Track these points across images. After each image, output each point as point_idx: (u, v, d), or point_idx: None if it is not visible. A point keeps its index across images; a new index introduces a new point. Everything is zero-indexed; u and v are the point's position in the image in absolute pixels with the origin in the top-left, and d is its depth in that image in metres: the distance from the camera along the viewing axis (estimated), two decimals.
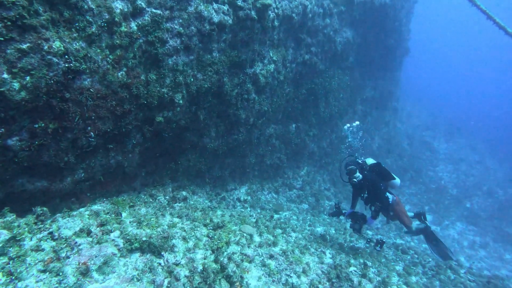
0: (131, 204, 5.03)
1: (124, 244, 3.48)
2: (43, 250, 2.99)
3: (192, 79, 5.98)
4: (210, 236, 4.47)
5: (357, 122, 8.99)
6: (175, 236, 4.07)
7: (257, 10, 6.72)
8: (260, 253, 4.46)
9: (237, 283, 3.47)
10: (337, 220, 8.79)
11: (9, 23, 3.19)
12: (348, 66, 12.27)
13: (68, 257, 3.02)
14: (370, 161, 6.45)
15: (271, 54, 7.98)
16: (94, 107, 4.35)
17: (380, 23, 12.97)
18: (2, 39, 3.18)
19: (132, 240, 3.53)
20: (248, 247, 4.52)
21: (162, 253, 3.63)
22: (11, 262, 2.72)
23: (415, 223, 6.43)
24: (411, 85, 30.38)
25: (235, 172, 8.66)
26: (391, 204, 6.01)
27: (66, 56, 3.74)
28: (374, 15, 12.31)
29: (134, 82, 4.89)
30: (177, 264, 3.54)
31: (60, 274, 2.81)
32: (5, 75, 3.26)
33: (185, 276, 3.38)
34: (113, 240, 3.50)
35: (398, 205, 6.12)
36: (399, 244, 8.15)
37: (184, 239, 4.12)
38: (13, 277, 2.59)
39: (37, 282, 2.65)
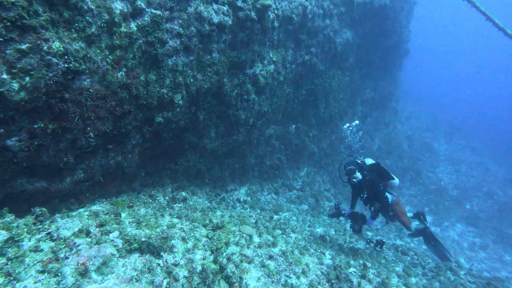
0: (131, 204, 5.02)
1: (123, 245, 3.48)
2: (41, 250, 2.98)
3: (191, 80, 5.98)
4: (210, 236, 4.46)
5: (357, 121, 8.99)
6: (174, 236, 4.07)
7: (257, 11, 6.72)
8: (260, 254, 4.45)
9: (236, 284, 3.46)
10: (337, 221, 8.78)
11: (8, 23, 3.20)
12: (348, 67, 12.27)
13: (67, 258, 3.01)
14: (369, 161, 6.44)
15: (271, 55, 7.98)
16: (93, 107, 4.35)
17: (380, 24, 12.99)
18: (1, 39, 3.18)
19: (131, 241, 3.52)
20: (248, 247, 4.51)
21: (161, 253, 3.62)
22: (9, 263, 2.71)
23: (415, 224, 6.42)
24: (411, 86, 30.43)
25: (235, 173, 8.66)
26: (390, 204, 6.00)
27: (66, 57, 3.74)
28: (374, 16, 12.32)
29: (133, 82, 4.89)
30: (176, 265, 3.53)
31: (59, 274, 2.80)
32: (5, 76, 3.26)
33: (184, 276, 3.37)
34: (112, 240, 3.50)
35: (398, 205, 6.11)
36: (399, 245, 8.13)
37: (183, 239, 4.11)
38: (12, 278, 2.59)
39: (35, 282, 2.65)
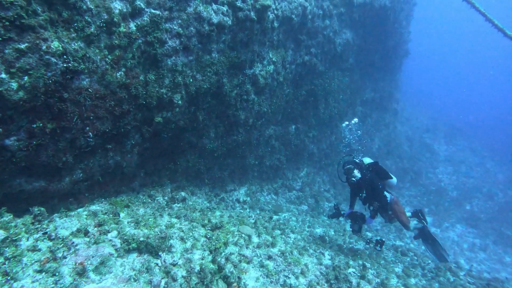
0: (130, 204, 5.02)
1: (121, 244, 3.47)
2: (39, 250, 2.98)
3: (191, 80, 5.98)
4: (208, 236, 4.45)
5: (356, 119, 8.97)
6: (172, 236, 4.06)
7: (256, 11, 6.73)
8: (259, 254, 4.44)
9: (235, 284, 3.46)
10: (337, 221, 8.76)
11: (7, 23, 3.20)
12: (348, 68, 12.28)
13: (64, 257, 3.01)
14: (367, 160, 6.44)
15: (270, 55, 7.98)
16: (92, 107, 4.35)
17: (380, 25, 12.99)
18: (0, 39, 3.18)
19: (129, 240, 3.52)
20: (247, 248, 4.51)
21: (160, 253, 3.62)
22: (7, 262, 2.71)
23: (413, 223, 6.41)
24: (411, 87, 30.40)
25: (235, 173, 8.65)
26: (389, 203, 5.99)
27: (65, 56, 3.74)
28: (374, 17, 12.33)
29: (133, 82, 4.89)
30: (174, 265, 3.52)
31: (57, 274, 2.80)
32: (3, 75, 3.27)
33: (182, 276, 3.36)
34: (110, 240, 3.49)
35: (397, 204, 6.11)
36: (399, 246, 8.12)
37: (182, 239, 4.11)
38: (9, 277, 2.58)
39: (33, 282, 2.64)
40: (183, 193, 6.37)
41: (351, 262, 5.41)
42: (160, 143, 6.23)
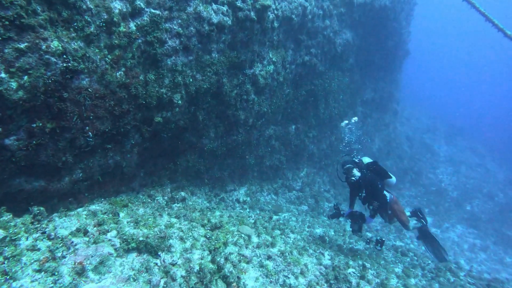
0: (129, 204, 5.02)
1: (120, 244, 3.47)
2: (39, 249, 2.98)
3: (191, 80, 5.98)
4: (208, 236, 4.45)
5: (356, 118, 8.96)
6: (172, 236, 4.06)
7: (256, 11, 6.73)
8: (258, 254, 4.44)
9: (234, 284, 3.45)
10: (337, 221, 8.76)
11: (7, 22, 3.21)
12: (348, 68, 12.27)
13: (64, 257, 3.01)
14: (366, 159, 6.43)
15: (270, 55, 7.98)
16: (92, 107, 4.35)
17: (380, 25, 12.99)
18: (0, 38, 3.19)
19: (129, 240, 3.52)
20: (246, 247, 4.50)
21: (159, 253, 3.61)
22: (6, 262, 2.70)
23: (413, 222, 6.40)
24: (411, 87, 30.43)
25: (235, 173, 8.65)
26: (389, 202, 5.99)
27: (64, 56, 3.74)
28: (374, 17, 12.33)
29: (132, 82, 4.90)
30: (173, 264, 3.52)
31: (56, 273, 2.79)
32: (3, 75, 3.27)
33: (182, 276, 3.36)
34: (109, 240, 3.49)
35: (396, 204, 6.11)
36: (399, 246, 8.11)
37: (182, 239, 4.10)
38: (8, 277, 2.58)
39: (32, 281, 2.64)
40: (183, 193, 6.37)
41: (351, 262, 5.41)
42: (160, 143, 6.23)
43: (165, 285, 3.19)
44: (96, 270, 3.03)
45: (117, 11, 4.37)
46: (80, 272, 2.90)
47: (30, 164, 3.85)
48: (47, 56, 3.56)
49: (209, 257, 3.91)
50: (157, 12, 5.00)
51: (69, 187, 4.55)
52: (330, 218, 6.38)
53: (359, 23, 11.81)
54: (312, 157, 11.67)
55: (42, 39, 3.51)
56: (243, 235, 4.85)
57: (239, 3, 6.32)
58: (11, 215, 3.31)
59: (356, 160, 6.36)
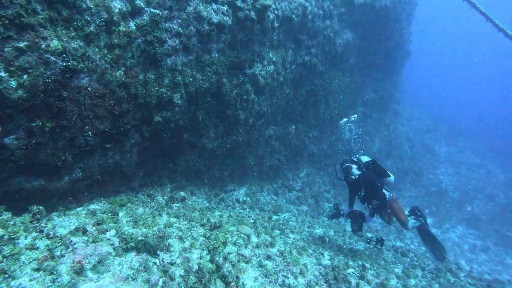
0: (129, 203, 5.02)
1: (119, 243, 3.47)
2: (37, 248, 2.98)
3: (191, 79, 5.98)
4: (207, 236, 4.44)
5: (355, 115, 8.95)
6: (171, 235, 4.05)
7: (256, 11, 6.73)
8: (257, 254, 4.43)
9: (233, 283, 3.45)
10: (337, 222, 8.75)
11: (6, 21, 3.21)
12: (349, 68, 12.26)
13: (62, 256, 3.01)
14: (364, 158, 6.42)
15: (270, 55, 7.98)
16: (92, 106, 4.35)
17: (380, 26, 12.98)
18: (0, 37, 3.19)
19: (127, 239, 3.51)
20: (245, 247, 4.49)
21: (158, 252, 3.61)
22: (4, 261, 2.70)
23: (411, 222, 6.39)
24: (412, 88, 30.39)
25: (234, 173, 8.64)
26: (388, 201, 5.97)
27: (64, 55, 3.74)
28: (374, 18, 12.31)
29: (132, 81, 4.90)
30: (172, 264, 3.51)
31: (54, 272, 2.79)
32: (2, 73, 3.27)
33: (180, 275, 3.36)
34: (108, 239, 3.49)
35: (395, 202, 6.10)
36: (399, 247, 8.09)
37: (181, 238, 4.10)
38: (6, 276, 2.58)
39: (30, 280, 2.64)
40: (182, 193, 6.36)
41: (350, 263, 5.40)
42: (160, 143, 6.23)
43: (163, 285, 3.19)
44: (94, 269, 3.03)
45: (117, 10, 4.38)
46: (79, 271, 2.90)
47: (29, 163, 3.86)
48: (46, 55, 3.56)
49: (208, 257, 3.90)
50: (157, 11, 5.01)
51: (68, 187, 4.55)
52: (330, 218, 6.37)
53: (359, 23, 11.81)
54: (312, 157, 11.66)
55: (42, 38, 3.52)
56: (242, 235, 4.84)
57: (239, 3, 6.32)
58: (10, 214, 3.31)
59: (355, 159, 6.35)
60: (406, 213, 6.51)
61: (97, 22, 4.17)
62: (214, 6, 5.96)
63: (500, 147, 22.79)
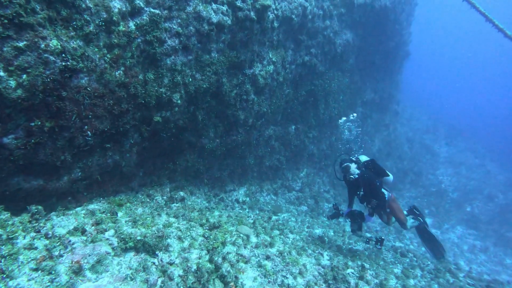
0: (128, 203, 5.01)
1: (118, 243, 3.46)
2: (36, 248, 2.97)
3: (190, 79, 5.98)
4: (206, 236, 4.44)
5: (354, 114, 8.95)
6: (170, 235, 4.05)
7: (256, 11, 6.73)
8: (257, 254, 4.43)
9: (232, 283, 3.44)
10: (336, 222, 8.75)
11: (6, 21, 3.21)
12: (348, 68, 12.27)
13: (61, 256, 3.00)
14: (363, 158, 6.41)
15: (270, 55, 7.98)
16: (91, 106, 4.35)
17: (380, 26, 12.99)
18: None
19: (126, 239, 3.51)
20: (245, 247, 4.49)
21: (157, 252, 3.60)
22: (3, 260, 2.70)
23: (410, 221, 6.39)
24: (412, 88, 30.41)
25: (234, 173, 8.64)
26: (387, 200, 5.97)
27: (63, 55, 3.74)
28: (374, 18, 12.32)
29: (132, 81, 4.89)
30: (171, 264, 3.51)
31: (53, 272, 2.79)
32: (2, 73, 3.27)
33: (179, 275, 3.35)
34: (107, 239, 3.48)
35: (394, 202, 6.09)
36: (398, 247, 8.09)
37: (180, 238, 4.10)
38: (4, 275, 2.57)
39: (28, 280, 2.63)
40: (182, 193, 6.36)
41: (350, 263, 5.39)
42: (159, 143, 6.23)
43: (162, 285, 3.19)
44: (93, 269, 3.02)
45: (116, 10, 4.37)
46: (77, 271, 2.90)
47: (28, 163, 3.85)
48: (46, 55, 3.56)
49: (207, 257, 3.90)
50: (157, 11, 5.01)
51: (67, 186, 4.54)
52: (329, 218, 6.36)
53: (359, 23, 11.81)
54: (312, 157, 11.66)
55: (41, 37, 3.51)
56: (241, 235, 4.84)
57: (239, 3, 6.32)
58: (9, 214, 3.31)
59: (354, 158, 6.35)
60: (405, 212, 6.51)
61: (97, 22, 4.17)
62: (214, 6, 5.96)
63: (500, 147, 22.80)
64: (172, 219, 4.76)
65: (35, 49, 3.47)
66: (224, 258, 3.88)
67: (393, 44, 14.83)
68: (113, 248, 3.38)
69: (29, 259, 2.81)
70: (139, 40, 4.88)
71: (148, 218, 4.35)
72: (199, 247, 4.07)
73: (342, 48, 11.09)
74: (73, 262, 2.96)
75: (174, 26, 5.37)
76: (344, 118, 9.00)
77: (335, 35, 10.60)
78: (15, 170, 3.79)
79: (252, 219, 6.57)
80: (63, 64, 3.75)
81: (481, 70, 56.53)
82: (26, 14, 3.34)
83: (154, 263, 3.43)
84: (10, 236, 2.94)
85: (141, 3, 4.77)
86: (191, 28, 5.63)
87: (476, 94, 45.66)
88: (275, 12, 7.41)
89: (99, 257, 3.13)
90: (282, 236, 5.84)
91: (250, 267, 4.06)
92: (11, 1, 3.18)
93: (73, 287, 2.75)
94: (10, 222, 3.17)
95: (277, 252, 4.75)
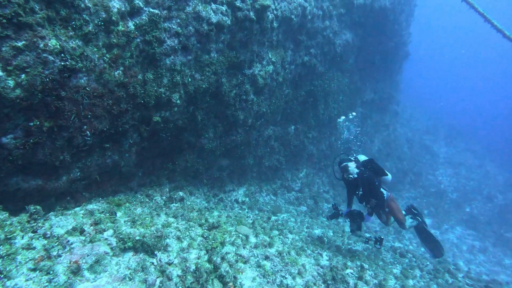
0: (127, 203, 5.01)
1: (117, 243, 3.46)
2: (34, 248, 2.97)
3: (189, 79, 5.97)
4: (205, 236, 4.44)
5: (354, 113, 8.96)
6: (169, 235, 4.05)
7: (255, 11, 6.73)
8: (256, 254, 4.43)
9: (230, 283, 3.44)
10: (336, 222, 8.75)
11: (4, 20, 3.20)
12: (348, 69, 12.27)
13: (59, 256, 3.00)
14: (362, 157, 6.41)
15: (269, 55, 7.98)
16: (90, 106, 4.34)
17: (380, 26, 13.00)
18: None
19: (125, 239, 3.51)
20: (244, 247, 4.49)
21: (156, 252, 3.60)
22: (0, 261, 2.69)
23: (409, 221, 6.39)
24: (411, 89, 30.44)
25: (233, 174, 8.64)
26: (386, 199, 5.97)
27: (62, 54, 3.74)
28: (374, 18, 12.33)
29: (131, 81, 4.89)
30: (170, 264, 3.51)
31: (51, 272, 2.78)
32: (0, 73, 3.26)
33: (178, 275, 3.35)
34: (106, 239, 3.48)
35: (393, 201, 6.10)
36: (397, 248, 8.09)
37: (178, 238, 4.09)
38: (2, 276, 2.57)
39: (26, 280, 2.63)
40: (181, 193, 6.36)
41: (349, 263, 5.39)
42: (159, 143, 6.23)
43: (161, 285, 3.18)
44: (91, 269, 3.02)
45: (115, 10, 4.37)
46: (76, 271, 2.89)
47: (27, 163, 3.84)
48: (44, 55, 3.55)
49: (206, 257, 3.90)
50: (156, 11, 5.00)
51: (66, 186, 4.54)
52: (329, 219, 6.36)
53: (359, 24, 11.82)
54: (312, 157, 11.66)
55: (40, 37, 3.51)
56: (240, 235, 4.83)
57: (238, 3, 6.31)
58: (7, 214, 3.30)
59: (352, 158, 6.35)
60: (403, 212, 6.52)
61: (96, 22, 4.17)
62: (213, 6, 5.96)
63: (499, 147, 22.83)
64: (171, 219, 4.75)
65: (34, 48, 3.46)
66: (223, 258, 3.88)
67: (393, 45, 14.84)
68: (111, 248, 3.37)
69: (27, 259, 2.81)
70: (138, 40, 4.87)
71: (147, 218, 4.35)
72: (198, 247, 4.07)
73: (341, 49, 11.10)
74: (72, 262, 2.95)
75: (173, 26, 5.36)
76: (343, 117, 9.00)
77: (335, 35, 10.61)
78: (13, 170, 3.78)
79: (251, 219, 6.57)
80: (62, 63, 3.74)
81: (480, 70, 56.60)
82: (25, 14, 3.34)
83: (152, 263, 3.43)
84: (8, 236, 2.93)
85: (140, 3, 4.77)
86: (191, 28, 5.63)
87: (476, 95, 45.71)
88: (275, 12, 7.42)
89: (97, 257, 3.13)
90: (281, 236, 5.84)
91: (249, 267, 4.05)
92: (10, 1, 3.18)
93: (71, 287, 2.75)
94: (8, 222, 3.17)
95: (276, 252, 4.75)
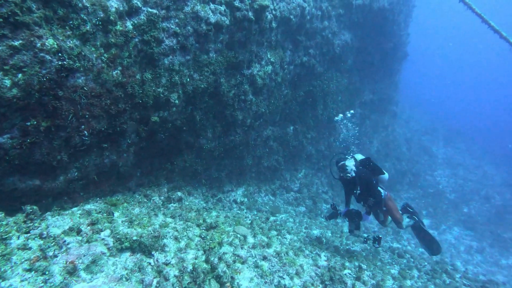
0: (125, 203, 4.99)
1: (114, 243, 3.45)
2: (30, 248, 2.95)
3: (188, 79, 5.96)
4: (203, 236, 4.43)
5: (352, 111, 8.96)
6: (166, 236, 4.03)
7: (254, 11, 6.72)
8: (254, 254, 4.42)
9: (228, 284, 3.43)
10: (334, 223, 8.75)
11: (1, 20, 3.19)
12: (347, 69, 12.28)
13: (55, 256, 2.98)
14: (359, 156, 6.40)
15: (268, 56, 7.98)
16: (88, 105, 4.33)
17: (379, 27, 13.01)
18: None
19: (122, 239, 3.49)
20: (241, 248, 4.48)
21: (153, 252, 3.59)
22: None
23: (406, 220, 6.40)
24: (410, 89, 30.50)
25: (232, 174, 8.62)
26: (383, 198, 5.97)
27: (60, 54, 3.72)
28: (372, 19, 12.34)
29: (129, 81, 4.88)
30: (167, 264, 3.50)
31: (47, 273, 2.77)
32: None
33: (175, 275, 3.34)
34: (103, 239, 3.47)
35: (390, 200, 6.10)
36: (396, 248, 8.10)
37: (176, 239, 4.08)
38: None
39: (21, 281, 2.61)
40: (179, 193, 6.34)
41: (347, 264, 5.39)
42: (157, 143, 6.21)
43: (157, 285, 3.17)
44: (88, 270, 3.00)
45: (113, 9, 4.36)
46: (72, 271, 2.88)
47: (24, 162, 3.82)
48: (42, 54, 3.54)
49: (203, 257, 3.89)
50: (154, 11, 4.99)
51: (64, 186, 4.51)
52: (327, 219, 6.35)
53: (357, 24, 11.83)
54: (310, 158, 11.67)
55: (37, 37, 3.49)
56: (238, 236, 4.83)
57: (237, 3, 6.31)
58: (3, 214, 3.29)
59: (349, 157, 6.34)
60: (400, 211, 6.53)
61: (94, 21, 4.15)
62: (212, 6, 5.96)
63: (497, 148, 22.90)
64: (169, 219, 4.74)
65: (31, 48, 3.45)
66: (220, 259, 3.87)
67: (391, 45, 14.86)
68: (108, 248, 3.36)
69: (23, 260, 2.79)
70: (136, 39, 4.86)
71: (144, 218, 4.33)
72: (195, 247, 4.06)
73: (340, 49, 11.11)
74: (68, 263, 2.94)
75: (172, 26, 5.35)
76: (341, 115, 9.00)
77: (334, 35, 10.61)
78: (10, 170, 3.76)
79: (249, 220, 6.56)
80: (60, 63, 3.73)
81: (480, 71, 56.77)
82: (21, 13, 3.32)
83: (149, 263, 3.42)
84: (3, 237, 2.92)
85: (138, 2, 4.76)
86: (189, 28, 5.62)
87: (475, 95, 45.85)
88: (273, 12, 7.41)
89: (94, 257, 3.12)
90: (279, 237, 5.84)
91: (247, 268, 4.05)
92: (6, 0, 3.17)
93: (67, 287, 2.74)
94: (4, 222, 3.15)
95: (274, 253, 4.74)
